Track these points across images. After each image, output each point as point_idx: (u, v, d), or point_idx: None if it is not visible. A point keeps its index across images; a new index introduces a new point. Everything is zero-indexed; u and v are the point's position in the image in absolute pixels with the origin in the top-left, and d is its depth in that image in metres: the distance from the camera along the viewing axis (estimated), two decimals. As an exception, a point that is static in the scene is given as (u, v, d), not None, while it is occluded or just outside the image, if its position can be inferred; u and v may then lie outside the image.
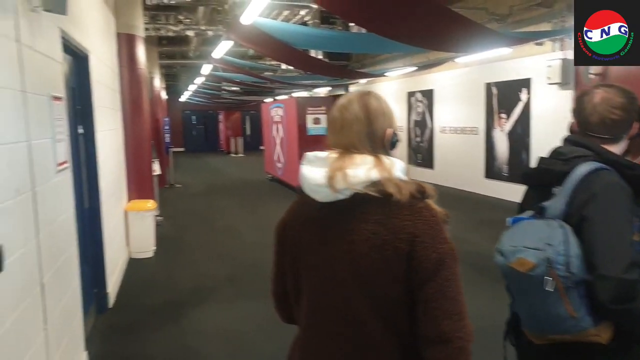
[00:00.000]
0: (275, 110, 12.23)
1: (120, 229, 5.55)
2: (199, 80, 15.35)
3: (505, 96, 9.26)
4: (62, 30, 3.07)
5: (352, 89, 16.86)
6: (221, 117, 25.87)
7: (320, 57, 10.54)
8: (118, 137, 5.83)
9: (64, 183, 2.98)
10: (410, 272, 1.13)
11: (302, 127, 10.22)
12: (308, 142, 10.20)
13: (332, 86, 15.39)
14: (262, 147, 18.13)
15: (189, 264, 5.88)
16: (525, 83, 8.68)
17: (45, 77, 2.63)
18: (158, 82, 13.56)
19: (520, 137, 8.91)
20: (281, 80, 12.76)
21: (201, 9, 8.30)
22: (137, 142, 6.33)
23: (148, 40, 9.37)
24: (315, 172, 1.20)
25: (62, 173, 2.91)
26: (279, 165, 12.16)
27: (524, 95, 8.77)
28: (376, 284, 1.15)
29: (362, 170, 1.16)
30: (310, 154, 1.25)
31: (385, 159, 1.19)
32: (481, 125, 9.97)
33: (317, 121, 10.24)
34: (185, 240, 7.01)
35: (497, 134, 9.57)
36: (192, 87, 18.37)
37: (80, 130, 4.06)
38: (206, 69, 11.57)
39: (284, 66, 12.65)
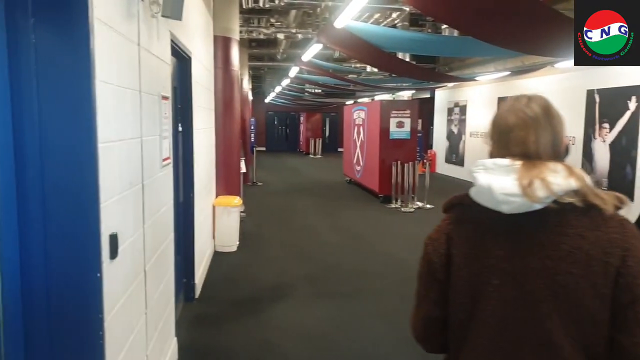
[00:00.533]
0: (358, 112, 12.23)
1: (207, 223, 5.83)
2: (285, 82, 15.74)
3: (610, 104, 8.55)
4: (172, 34, 3.28)
5: (439, 92, 16.45)
6: (302, 118, 26.39)
7: (407, 59, 10.39)
8: (211, 135, 6.13)
9: (167, 177, 3.17)
10: (617, 290, 1.04)
11: (384, 130, 10.14)
12: (390, 146, 10.11)
13: (417, 89, 15.12)
14: (340, 149, 18.24)
15: (270, 261, 6.04)
16: (636, 90, 7.96)
17: (156, 77, 2.81)
18: (246, 84, 14.09)
19: (625, 149, 8.18)
20: (365, 83, 12.73)
21: (293, 12, 8.50)
22: (227, 140, 6.61)
23: (240, 43, 9.79)
24: (502, 181, 1.08)
25: (166, 168, 3.10)
26: (358, 168, 12.15)
27: (632, 104, 8.05)
28: (577, 304, 1.06)
29: (559, 178, 1.07)
30: (487, 161, 1.14)
31: (575, 168, 1.11)
32: (579, 134, 9.28)
33: (400, 125, 10.10)
34: (266, 237, 7.21)
35: (598, 145, 8.87)
36: (277, 89, 18.88)
37: (180, 128, 4.30)
38: (293, 71, 11.84)
39: (368, 69, 12.62)
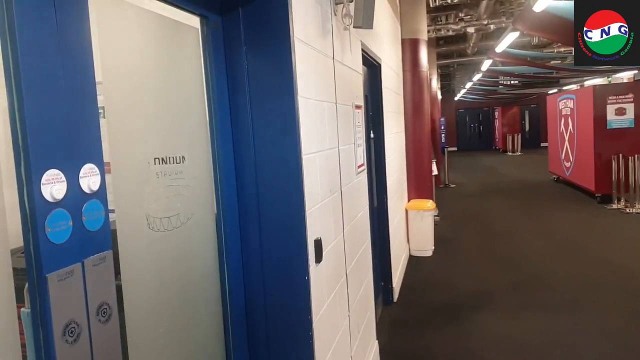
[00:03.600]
0: (564, 102, 10.88)
1: (401, 227, 5.85)
2: (476, 77, 14.97)
3: None
4: (363, 44, 3.38)
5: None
6: (497, 113, 24.71)
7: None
8: (401, 139, 6.15)
9: (362, 183, 3.26)
10: None
11: (600, 119, 8.79)
12: (607, 137, 8.73)
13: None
14: (544, 144, 16.49)
15: (468, 266, 5.75)
16: None
17: (350, 88, 2.92)
18: (435, 83, 13.82)
19: None
20: (572, 68, 11.26)
21: (484, 3, 8.02)
22: (417, 143, 6.55)
23: (427, 43, 9.66)
24: None
25: (361, 174, 3.19)
26: (567, 164, 10.78)
27: None
28: None
29: None
30: None
31: None
32: None
33: (620, 112, 8.63)
34: (463, 242, 6.90)
35: None
36: (468, 85, 18.08)
37: (372, 135, 4.41)
38: (485, 64, 11.17)
39: (575, 52, 11.14)
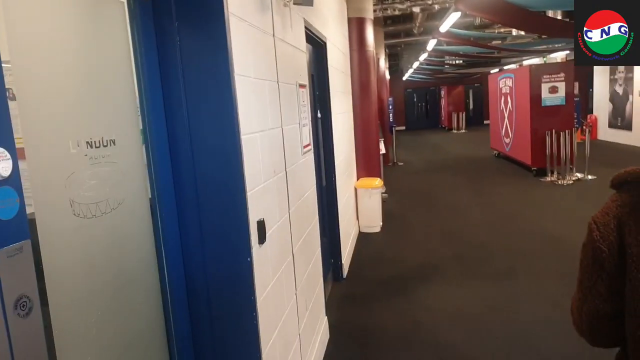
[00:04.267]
0: (504, 81, 11.28)
1: (351, 205, 5.92)
2: (422, 57, 15.21)
3: None
4: (306, 21, 3.33)
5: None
6: (443, 92, 25.32)
7: (559, 17, 9.22)
8: (349, 118, 6.18)
9: (308, 163, 3.25)
10: None
11: (535, 97, 9.20)
12: (542, 114, 9.17)
13: (571, 49, 13.39)
14: (486, 122, 17.09)
15: (414, 241, 5.92)
16: None
17: (293, 66, 2.88)
18: (383, 63, 13.93)
19: None
20: (511, 48, 11.66)
21: (427, -18, 8.10)
22: (365, 123, 6.61)
23: (374, 22, 9.68)
24: None
25: (307, 154, 3.18)
26: (507, 140, 11.25)
27: None
28: None
29: None
30: None
31: None
32: None
33: (554, 90, 9.06)
34: (410, 217, 7.08)
35: None
36: (415, 65, 18.35)
37: (319, 115, 4.39)
38: (431, 44, 11.35)
39: (514, 32, 11.52)
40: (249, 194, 1.88)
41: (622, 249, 1.01)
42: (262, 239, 2.01)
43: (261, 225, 2.00)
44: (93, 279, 1.39)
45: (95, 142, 1.39)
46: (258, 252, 1.97)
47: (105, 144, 1.44)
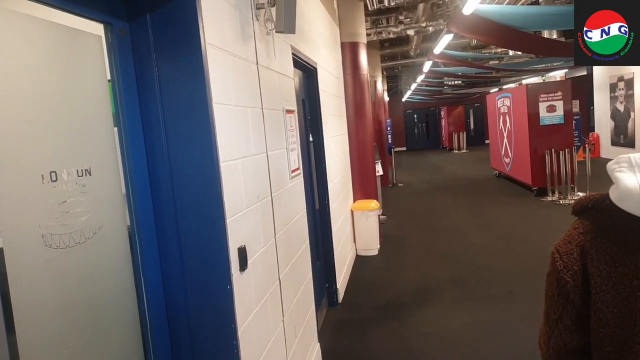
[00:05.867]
0: (502, 100, 11.35)
1: (347, 228, 5.90)
2: (419, 78, 15.37)
3: None
4: (293, 47, 3.38)
5: (597, 68, 14.45)
6: (443, 112, 25.47)
7: (554, 37, 9.34)
8: (344, 141, 6.21)
9: (297, 188, 3.26)
10: None
11: (533, 116, 9.23)
12: (541, 134, 9.18)
13: (570, 68, 13.49)
14: (487, 142, 17.14)
15: (413, 263, 5.88)
16: None
17: (278, 93, 2.91)
18: (380, 85, 14.07)
19: None
20: (509, 68, 11.76)
21: (421, 6, 8.24)
22: (360, 145, 6.64)
23: (371, 45, 9.81)
24: None
25: (296, 178, 3.19)
26: (507, 160, 11.25)
27: None
28: None
29: None
30: (634, 156, 0.99)
31: None
32: None
33: (551, 109, 9.09)
34: (408, 239, 7.05)
35: None
36: (413, 86, 18.53)
37: (311, 138, 4.43)
38: (427, 65, 11.48)
39: (511, 52, 11.65)
40: (228, 220, 1.88)
41: (587, 278, 0.99)
42: (243, 266, 2.01)
43: (242, 252, 2.00)
44: (66, 310, 1.39)
45: (69, 172, 1.41)
46: (239, 279, 1.97)
47: (80, 174, 1.46)
